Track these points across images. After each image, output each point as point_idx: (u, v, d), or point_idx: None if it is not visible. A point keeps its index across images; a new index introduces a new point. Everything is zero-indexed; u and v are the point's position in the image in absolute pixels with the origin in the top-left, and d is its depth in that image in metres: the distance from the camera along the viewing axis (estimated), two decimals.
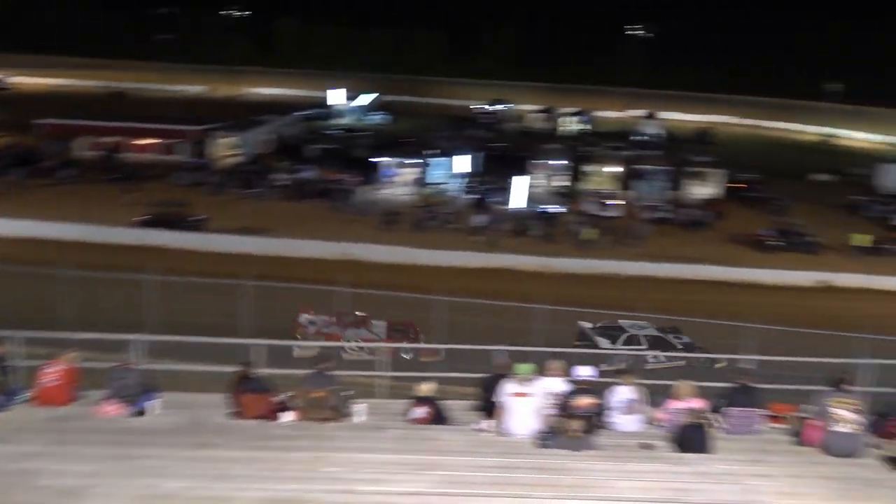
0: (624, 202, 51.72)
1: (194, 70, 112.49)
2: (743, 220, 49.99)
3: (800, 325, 27.29)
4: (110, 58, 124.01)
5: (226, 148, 59.56)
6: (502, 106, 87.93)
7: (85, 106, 76.71)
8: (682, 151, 66.76)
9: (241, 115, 71.78)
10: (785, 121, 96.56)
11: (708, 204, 50.46)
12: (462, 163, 55.55)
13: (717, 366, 23.25)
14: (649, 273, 39.17)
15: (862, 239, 43.80)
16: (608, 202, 49.51)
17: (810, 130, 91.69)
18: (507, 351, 16.11)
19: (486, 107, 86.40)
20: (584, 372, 12.44)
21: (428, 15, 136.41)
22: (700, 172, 55.64)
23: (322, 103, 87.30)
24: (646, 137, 75.20)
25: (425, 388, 13.25)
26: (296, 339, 26.13)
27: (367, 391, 15.99)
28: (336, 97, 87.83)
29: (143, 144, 59.76)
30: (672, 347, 26.59)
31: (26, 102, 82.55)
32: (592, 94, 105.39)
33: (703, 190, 54.25)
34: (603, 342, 26.59)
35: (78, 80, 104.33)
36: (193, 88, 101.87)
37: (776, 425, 12.94)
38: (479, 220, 44.06)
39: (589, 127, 79.90)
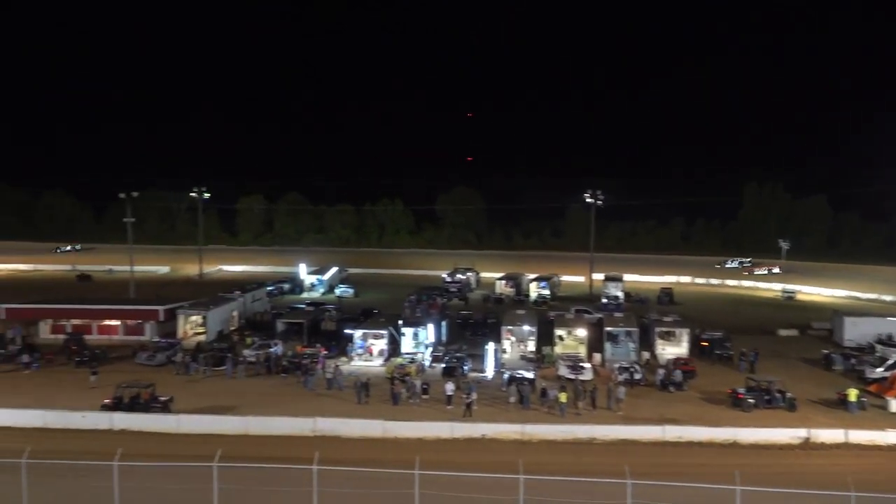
0: (595, 365, 51.74)
1: (159, 251, 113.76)
2: (714, 377, 49.99)
3: (786, 484, 26.78)
4: (77, 242, 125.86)
5: (192, 326, 59.17)
6: (468, 274, 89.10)
7: (50, 290, 76.37)
8: (647, 312, 67.73)
9: (208, 293, 71.90)
10: (742, 278, 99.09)
11: (678, 363, 50.42)
12: (431, 332, 55.55)
13: None
14: (627, 436, 38.49)
15: (854, 394, 43.62)
16: (580, 365, 49.32)
17: (768, 287, 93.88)
18: None
19: (453, 275, 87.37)
20: None
21: (389, 188, 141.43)
22: (668, 332, 56.20)
23: (288, 278, 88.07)
24: (611, 299, 76.26)
25: None
26: None
27: None
28: (302, 272, 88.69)
29: (109, 326, 59.04)
30: None
31: None
32: (549, 260, 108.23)
33: (672, 349, 54.57)
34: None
35: (43, 265, 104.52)
36: (160, 269, 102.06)
37: None
38: (451, 388, 43.48)
39: (550, 292, 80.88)
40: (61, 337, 56.00)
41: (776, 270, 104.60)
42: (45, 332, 58.74)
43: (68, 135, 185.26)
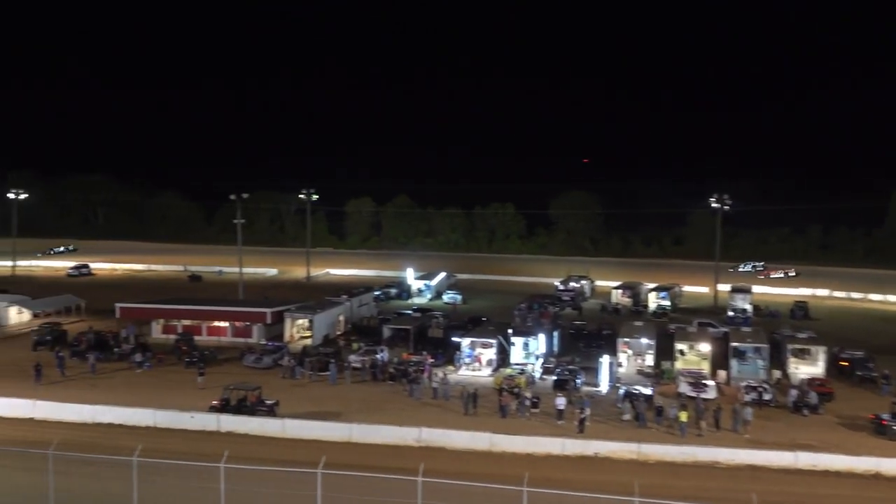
0: (720, 382, 48.35)
1: (268, 253, 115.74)
2: (854, 401, 45.77)
3: None
4: (187, 243, 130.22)
5: (299, 330, 59.11)
6: (582, 282, 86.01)
7: (162, 290, 78.56)
8: (779, 327, 63.21)
9: (315, 296, 72.03)
10: (888, 293, 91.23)
11: (813, 383, 46.41)
12: (542, 342, 53.39)
13: None
14: (753, 461, 35.40)
15: None
16: (702, 382, 46.07)
17: None
18: None
19: (566, 283, 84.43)
20: None
21: (499, 193, 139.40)
22: (802, 350, 52.09)
23: (395, 283, 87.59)
24: (738, 312, 71.74)
25: None
26: None
27: None
28: (409, 277, 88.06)
29: (218, 327, 59.69)
30: None
31: (107, 287, 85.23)
32: (670, 269, 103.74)
33: (806, 368, 50.53)
34: None
35: (156, 265, 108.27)
36: (268, 271, 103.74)
37: None
38: (563, 402, 41.24)
39: (671, 303, 77.07)
40: (172, 337, 57.00)
41: (792, 274, 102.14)
42: (157, 331, 60.13)
43: (182, 136, 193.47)
